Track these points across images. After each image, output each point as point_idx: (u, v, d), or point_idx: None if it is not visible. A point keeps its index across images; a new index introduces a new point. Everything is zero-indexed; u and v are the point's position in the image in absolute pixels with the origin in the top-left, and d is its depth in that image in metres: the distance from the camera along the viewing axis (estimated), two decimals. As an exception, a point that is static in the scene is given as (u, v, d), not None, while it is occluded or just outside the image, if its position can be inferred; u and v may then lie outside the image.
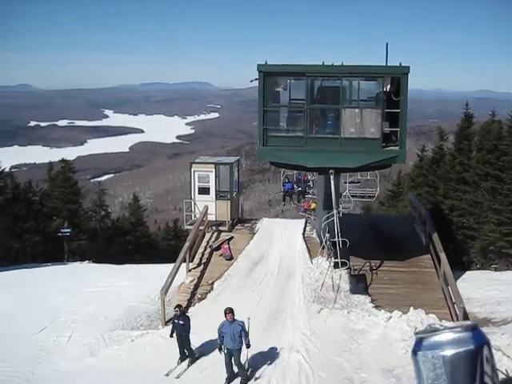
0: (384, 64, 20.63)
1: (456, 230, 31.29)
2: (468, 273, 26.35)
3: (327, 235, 20.85)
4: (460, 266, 27.00)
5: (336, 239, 19.27)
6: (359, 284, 21.27)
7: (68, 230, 33.90)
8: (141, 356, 16.89)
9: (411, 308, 17.98)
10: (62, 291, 23.35)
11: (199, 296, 21.14)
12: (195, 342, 16.70)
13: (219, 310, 19.11)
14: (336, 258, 20.25)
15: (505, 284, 23.86)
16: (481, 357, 1.16)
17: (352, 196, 28.84)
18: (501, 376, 1.25)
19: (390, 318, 17.42)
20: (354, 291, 20.60)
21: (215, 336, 15.18)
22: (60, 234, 33.90)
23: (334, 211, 19.91)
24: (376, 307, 19.17)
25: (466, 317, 18.88)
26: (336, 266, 20.95)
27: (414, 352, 1.24)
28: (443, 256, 21.11)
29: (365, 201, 32.27)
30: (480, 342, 1.19)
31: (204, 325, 17.97)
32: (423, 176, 37.80)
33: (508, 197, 29.54)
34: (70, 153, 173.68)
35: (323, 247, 21.91)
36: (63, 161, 43.17)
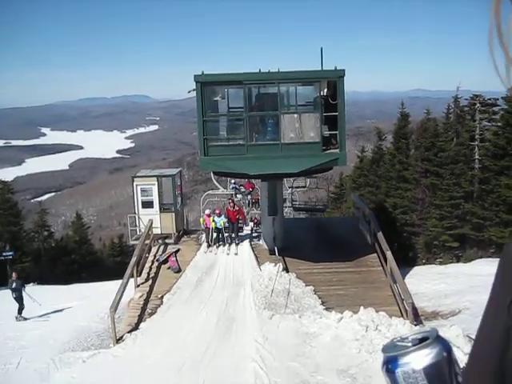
0: (320, 68, 20.90)
1: (400, 228, 31.87)
2: (414, 268, 26.90)
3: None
4: (406, 262, 27.53)
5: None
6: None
7: (10, 253, 33.08)
8: (94, 376, 16.54)
9: (361, 307, 18.15)
10: (7, 316, 22.76)
11: (149, 311, 20.87)
12: (152, 354, 16.49)
13: (171, 323, 19.05)
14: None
15: (450, 277, 24.42)
16: (452, 360, 1.26)
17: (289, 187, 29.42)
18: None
19: (342, 318, 17.54)
20: (303, 295, 20.73)
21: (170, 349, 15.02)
22: (2, 258, 33.05)
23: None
24: (327, 309, 19.29)
25: (415, 312, 19.24)
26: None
27: (391, 370, 1.30)
28: (389, 254, 21.42)
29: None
30: (448, 348, 1.29)
31: (157, 338, 17.84)
32: (364, 176, 38.42)
33: (448, 192, 30.28)
34: (8, 173, 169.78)
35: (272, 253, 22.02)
36: (1, 182, 42.24)
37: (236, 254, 24.34)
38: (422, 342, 1.27)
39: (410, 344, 1.28)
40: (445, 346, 1.28)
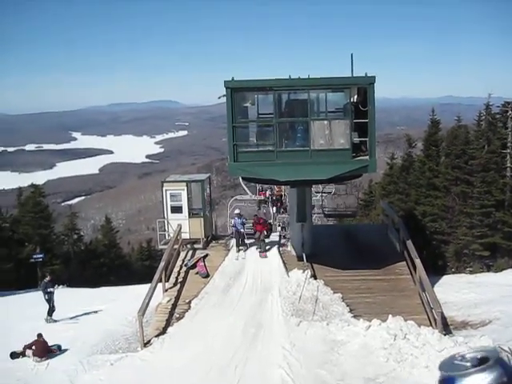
0: (350, 75, 20.83)
1: (429, 236, 31.56)
2: (444, 277, 26.58)
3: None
4: (435, 270, 27.25)
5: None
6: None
7: (40, 256, 33.36)
8: (121, 379, 16.63)
9: (390, 316, 17.96)
10: (36, 318, 22.97)
11: (177, 315, 20.94)
12: (179, 359, 16.53)
13: (198, 328, 19.08)
14: None
15: (480, 286, 24.09)
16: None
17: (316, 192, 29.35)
18: None
19: (370, 326, 17.40)
20: (331, 302, 20.63)
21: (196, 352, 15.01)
22: (32, 260, 33.35)
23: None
24: (355, 317, 19.16)
25: (444, 321, 19.02)
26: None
27: None
28: (418, 262, 21.22)
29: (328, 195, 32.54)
30: (509, 371, 1.21)
31: (184, 342, 17.89)
32: (394, 184, 38.15)
33: (478, 200, 29.93)
34: (40, 177, 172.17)
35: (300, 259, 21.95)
36: (33, 185, 42.88)
37: None
38: (481, 362, 1.21)
39: (468, 364, 1.23)
40: (506, 369, 1.21)
